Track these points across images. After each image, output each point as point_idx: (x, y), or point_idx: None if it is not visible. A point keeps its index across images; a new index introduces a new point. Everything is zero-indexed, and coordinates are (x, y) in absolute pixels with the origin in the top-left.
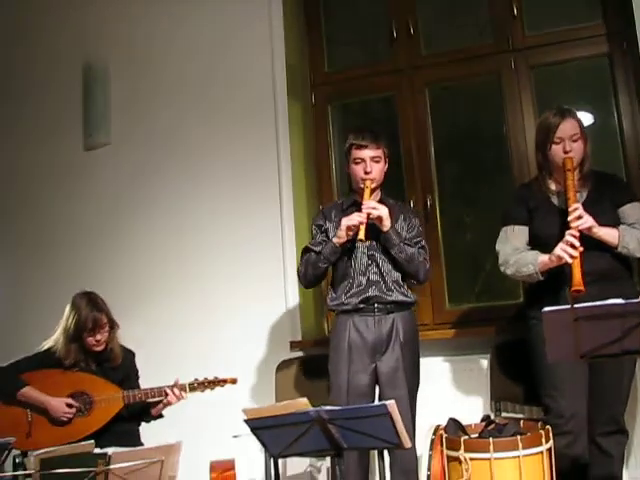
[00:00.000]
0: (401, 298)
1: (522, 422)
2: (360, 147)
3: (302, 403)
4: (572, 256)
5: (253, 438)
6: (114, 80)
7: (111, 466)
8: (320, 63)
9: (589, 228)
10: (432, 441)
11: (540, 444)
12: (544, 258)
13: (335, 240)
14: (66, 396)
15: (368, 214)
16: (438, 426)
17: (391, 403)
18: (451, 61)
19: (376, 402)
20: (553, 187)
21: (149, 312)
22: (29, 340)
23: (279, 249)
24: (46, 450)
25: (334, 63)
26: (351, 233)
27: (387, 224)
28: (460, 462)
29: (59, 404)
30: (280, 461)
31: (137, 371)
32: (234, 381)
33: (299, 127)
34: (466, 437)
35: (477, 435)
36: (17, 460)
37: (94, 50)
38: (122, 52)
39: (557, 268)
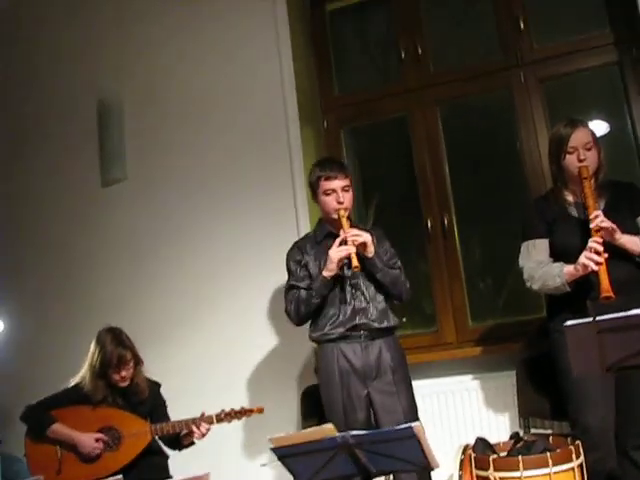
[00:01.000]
0: (385, 324)
1: (551, 438)
2: (329, 178)
3: (328, 429)
4: (598, 263)
5: (280, 466)
6: (128, 116)
7: None
8: (330, 87)
9: (613, 232)
10: (461, 461)
11: (571, 460)
12: (570, 269)
13: (325, 274)
14: (95, 432)
15: (354, 242)
16: (467, 445)
17: (417, 425)
18: (460, 78)
19: (402, 425)
20: (570, 198)
21: (166, 346)
22: (45, 377)
23: None
24: None
25: (344, 87)
26: (341, 264)
27: (371, 250)
28: None
29: (88, 439)
30: None
31: (164, 401)
32: (261, 410)
33: (312, 152)
34: (495, 456)
35: (506, 453)
36: None
37: (108, 86)
38: (136, 88)
39: (579, 279)
